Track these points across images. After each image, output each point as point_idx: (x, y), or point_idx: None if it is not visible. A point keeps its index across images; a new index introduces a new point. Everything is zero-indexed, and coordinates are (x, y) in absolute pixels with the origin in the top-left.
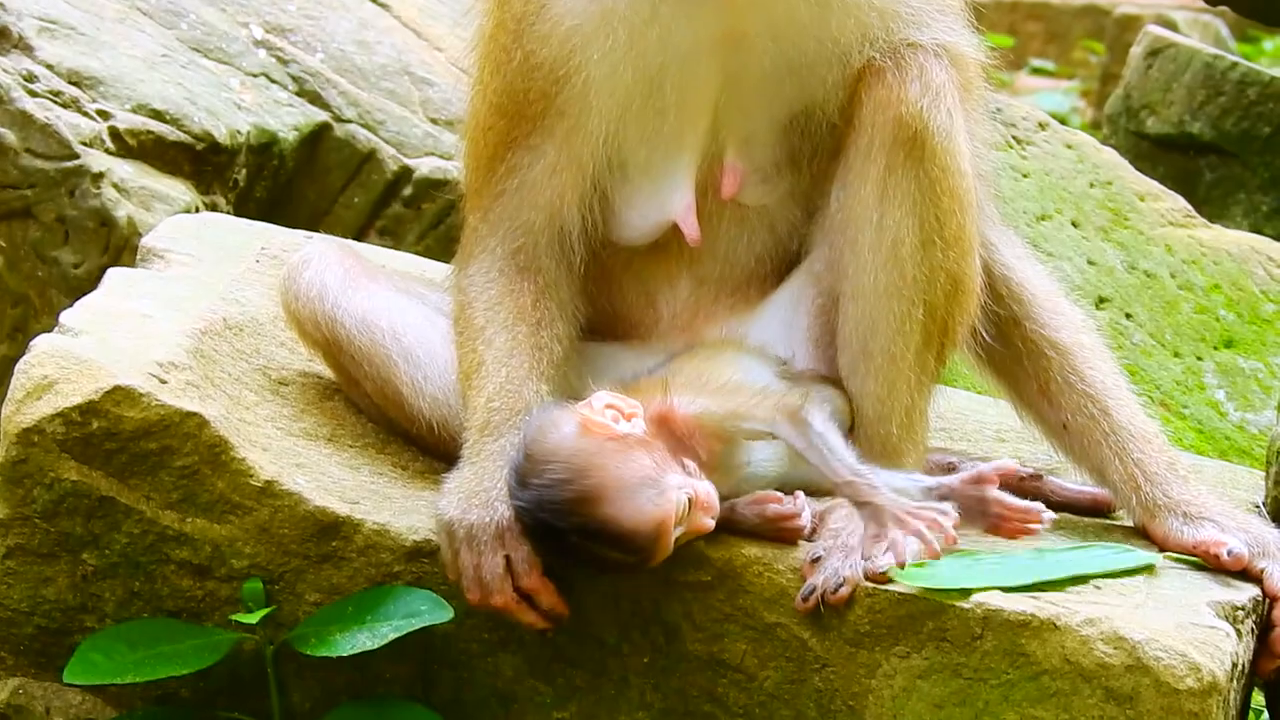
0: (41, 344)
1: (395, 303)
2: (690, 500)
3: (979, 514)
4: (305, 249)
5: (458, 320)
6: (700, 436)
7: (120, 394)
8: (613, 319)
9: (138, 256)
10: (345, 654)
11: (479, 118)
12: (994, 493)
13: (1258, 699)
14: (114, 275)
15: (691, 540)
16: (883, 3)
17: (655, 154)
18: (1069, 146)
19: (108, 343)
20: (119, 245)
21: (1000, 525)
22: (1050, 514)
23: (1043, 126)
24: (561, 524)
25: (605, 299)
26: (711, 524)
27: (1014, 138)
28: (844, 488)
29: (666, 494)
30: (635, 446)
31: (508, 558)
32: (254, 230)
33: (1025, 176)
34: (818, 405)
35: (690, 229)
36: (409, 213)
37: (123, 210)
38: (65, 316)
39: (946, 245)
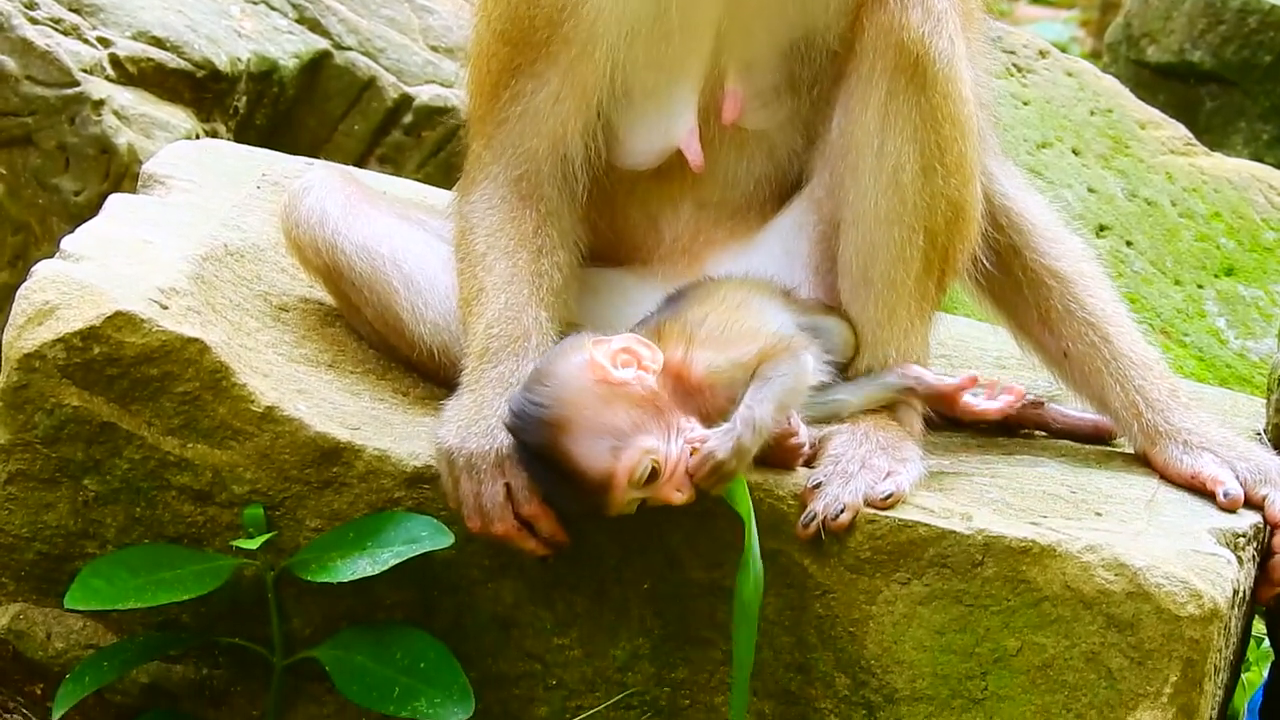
0: (43, 269)
1: (396, 229)
2: (655, 467)
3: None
4: (306, 175)
5: (459, 246)
6: (711, 393)
7: (121, 319)
8: (614, 244)
9: (139, 183)
10: (346, 580)
11: (483, 45)
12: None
13: (1259, 626)
14: (115, 201)
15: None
16: None
17: (660, 79)
18: (1069, 74)
19: (109, 268)
20: (119, 172)
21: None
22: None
23: (1043, 54)
24: (525, 437)
25: (607, 224)
26: (680, 498)
27: (1014, 65)
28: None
29: (626, 451)
30: (623, 398)
31: (508, 485)
32: (255, 157)
33: (1026, 104)
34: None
35: (694, 154)
36: (409, 140)
37: (123, 137)
38: (66, 242)
39: (948, 172)
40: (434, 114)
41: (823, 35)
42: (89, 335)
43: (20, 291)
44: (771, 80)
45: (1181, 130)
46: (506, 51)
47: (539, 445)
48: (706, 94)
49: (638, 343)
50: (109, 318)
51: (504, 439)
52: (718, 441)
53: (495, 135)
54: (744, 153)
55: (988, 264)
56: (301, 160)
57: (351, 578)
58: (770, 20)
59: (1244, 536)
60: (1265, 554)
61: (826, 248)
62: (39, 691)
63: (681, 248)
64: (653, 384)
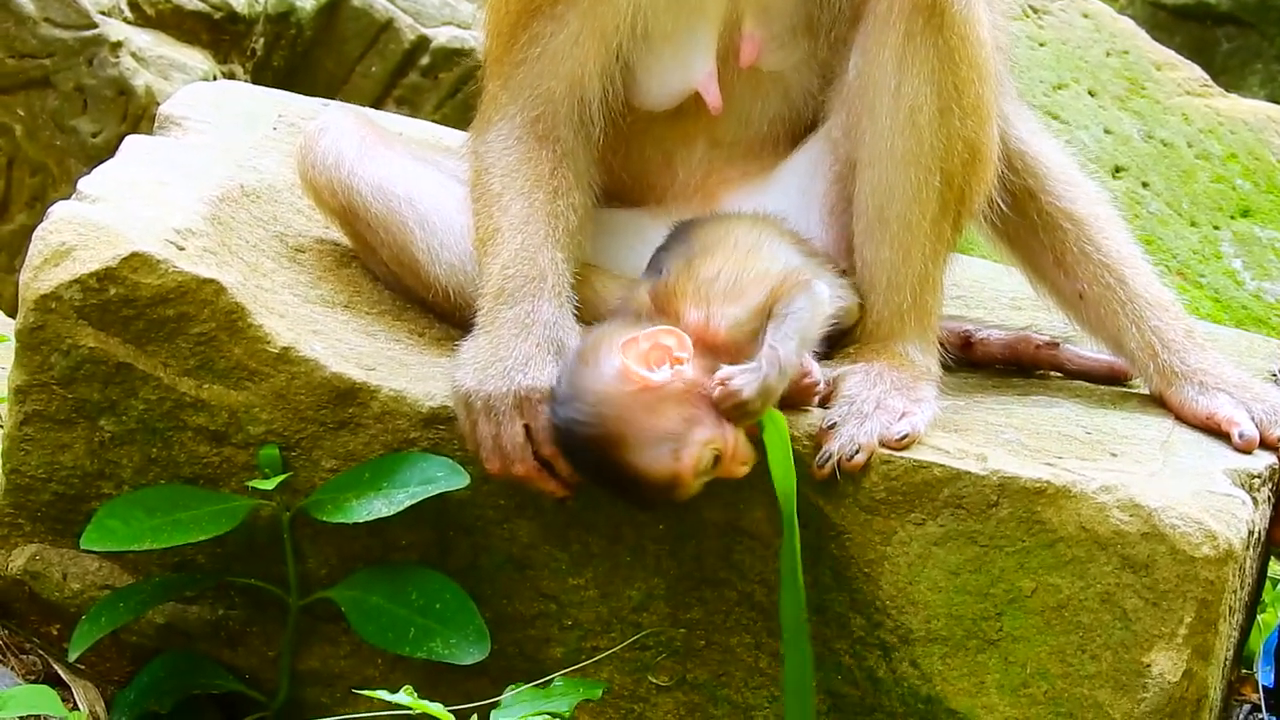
0: (59, 211)
1: (412, 169)
2: (718, 453)
3: None
4: (322, 117)
5: (474, 185)
6: (735, 346)
7: (138, 260)
8: (629, 184)
9: (155, 124)
10: (361, 520)
11: None
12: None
13: (1275, 568)
14: (132, 143)
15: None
16: None
17: (679, 22)
18: (1085, 15)
19: (125, 210)
20: (137, 114)
21: None
22: None
23: None
24: (582, 455)
25: (621, 164)
26: (744, 469)
27: (1030, 7)
28: None
29: (687, 449)
30: (667, 399)
31: (527, 426)
32: (271, 98)
33: (1042, 45)
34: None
35: (712, 97)
36: (426, 82)
37: (141, 79)
38: (83, 184)
39: (964, 113)
40: (451, 55)
41: None
42: (105, 276)
43: (37, 233)
44: (789, 23)
45: (1198, 72)
46: None
47: (596, 463)
48: (724, 37)
49: (664, 335)
50: (125, 258)
51: (521, 380)
52: (743, 379)
53: (513, 76)
54: (759, 94)
55: (1003, 206)
56: (318, 102)
57: (367, 518)
58: None
59: (1259, 477)
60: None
61: (842, 188)
62: (55, 632)
63: (695, 186)
64: (689, 374)
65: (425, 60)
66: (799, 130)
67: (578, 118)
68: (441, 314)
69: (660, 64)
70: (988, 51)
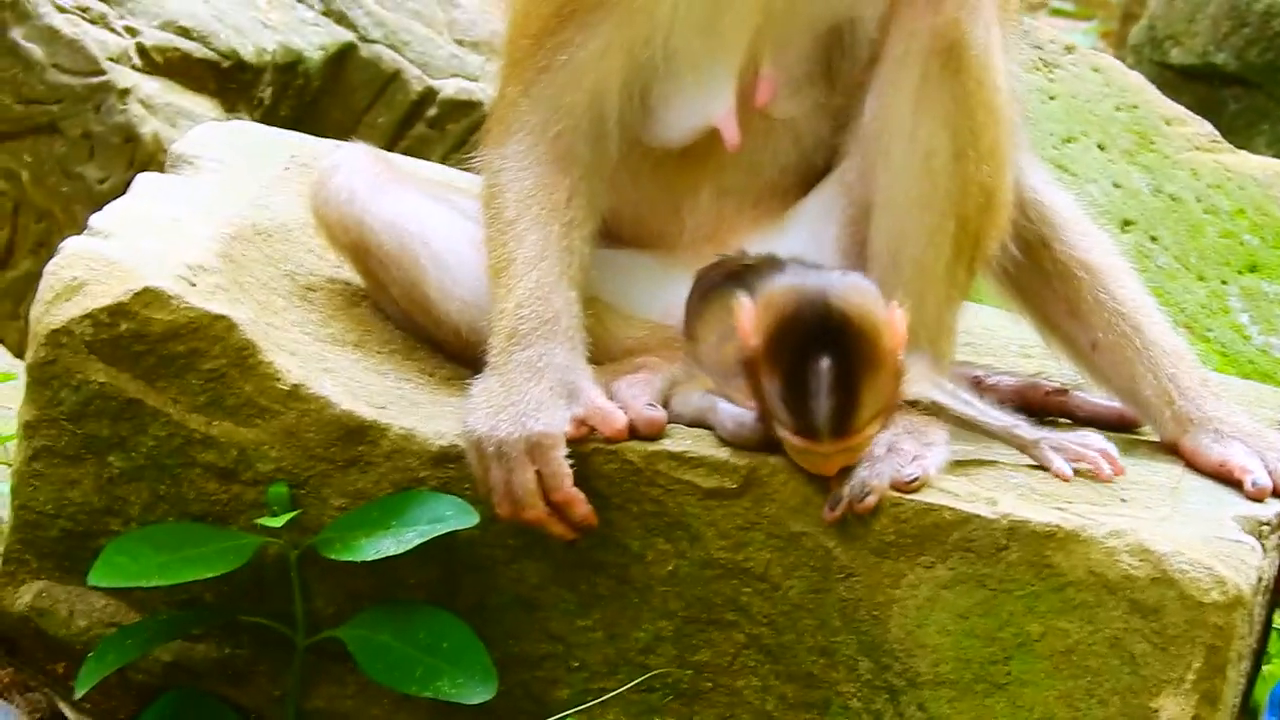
0: (71, 246)
1: (424, 207)
2: None
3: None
4: (335, 154)
5: (488, 204)
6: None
7: (149, 296)
8: (634, 226)
9: (167, 162)
10: (369, 559)
11: None
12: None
13: (1279, 619)
14: (144, 180)
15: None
16: None
17: (706, 49)
18: (1095, 70)
19: (137, 245)
20: (144, 161)
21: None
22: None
23: (1069, 49)
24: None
25: (630, 204)
26: None
27: (1041, 60)
28: None
29: None
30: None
31: (538, 472)
32: (283, 138)
33: (1052, 99)
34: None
35: (731, 134)
36: (433, 133)
37: (148, 126)
38: (95, 219)
39: (980, 158)
40: (458, 107)
41: (862, 22)
42: (116, 311)
43: (48, 268)
44: (805, 66)
45: (1206, 127)
46: None
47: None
48: (742, 76)
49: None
50: (137, 294)
51: (533, 425)
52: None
53: (535, 83)
54: (769, 139)
55: (1016, 254)
56: (331, 142)
57: (375, 557)
58: (810, 7)
59: (1269, 525)
60: None
61: (855, 232)
62: (61, 670)
63: (705, 233)
64: None
65: (433, 111)
66: (809, 178)
67: (597, 138)
68: (452, 353)
69: (681, 95)
70: (1004, 98)
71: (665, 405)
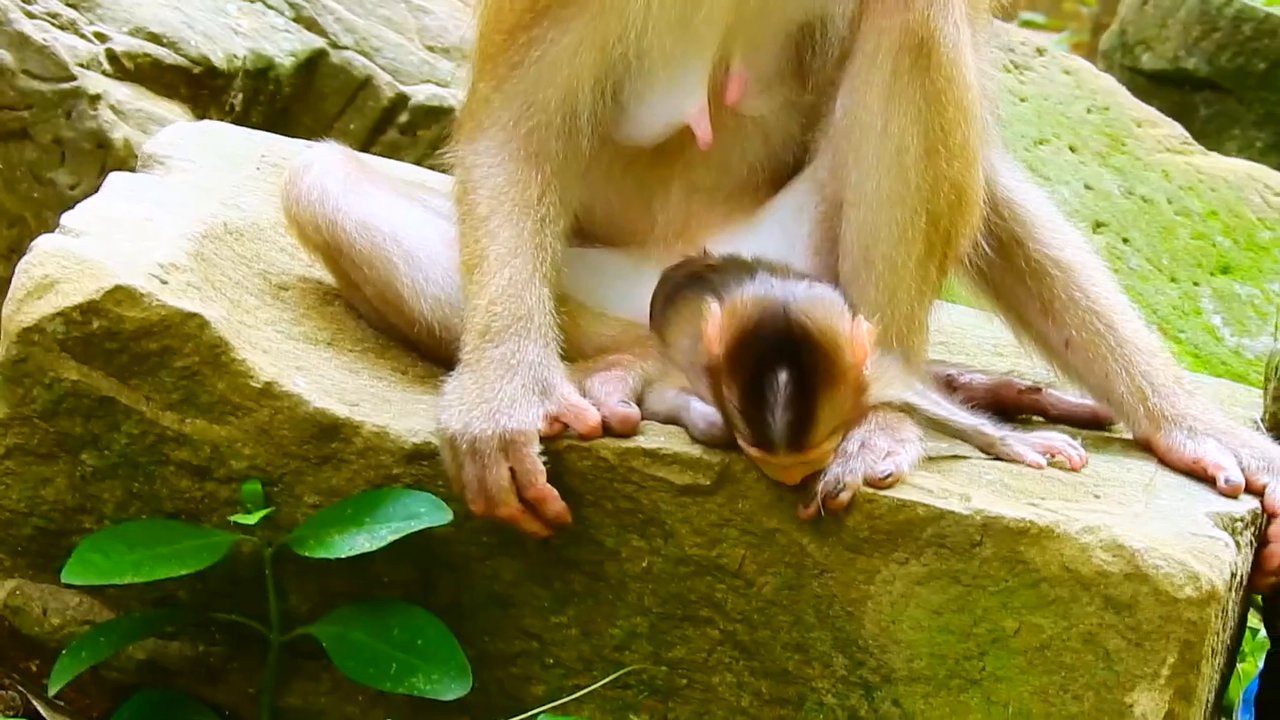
0: (43, 244)
1: (396, 206)
2: None
3: None
4: (307, 154)
5: (460, 200)
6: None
7: (121, 294)
8: (606, 223)
9: (139, 162)
10: (343, 556)
11: None
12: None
13: (1254, 618)
14: (115, 179)
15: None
16: None
17: (678, 45)
18: (1067, 72)
19: (109, 244)
20: (115, 167)
21: None
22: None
23: (1041, 52)
24: None
25: (601, 200)
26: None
27: (1012, 63)
28: None
29: None
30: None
31: (512, 469)
32: (255, 139)
33: (1023, 101)
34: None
35: (703, 132)
36: (405, 139)
37: (119, 132)
38: (66, 218)
39: (951, 155)
40: (430, 113)
41: (833, 19)
42: (88, 309)
43: (20, 266)
44: (776, 64)
45: (1178, 129)
46: None
47: None
48: (714, 74)
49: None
50: (109, 292)
51: (506, 422)
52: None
53: (507, 79)
54: (739, 136)
55: (989, 252)
56: (302, 142)
57: (349, 554)
58: (781, 5)
59: (1242, 521)
60: (1261, 542)
61: (827, 229)
62: (34, 668)
63: (675, 230)
64: None
65: (404, 118)
66: (780, 176)
67: (569, 134)
68: (425, 351)
69: (653, 92)
70: (974, 95)
71: (639, 402)
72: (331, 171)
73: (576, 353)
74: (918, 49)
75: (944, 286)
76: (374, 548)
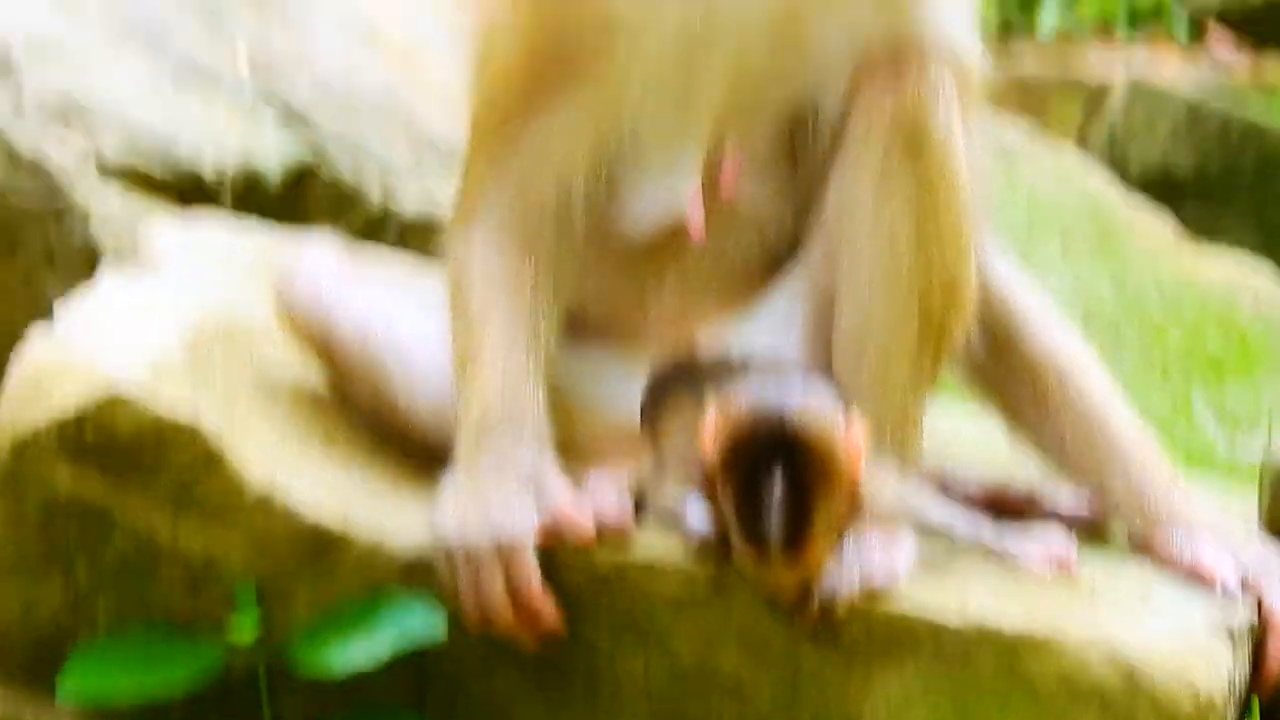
0: (33, 348)
1: (390, 308)
2: None
3: None
4: (299, 252)
5: (453, 290)
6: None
7: (114, 400)
8: (598, 315)
9: (130, 261)
10: (339, 674)
11: (506, 55)
12: None
13: None
14: (107, 279)
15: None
16: None
17: (674, 132)
18: (1057, 166)
19: (100, 347)
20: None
21: None
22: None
23: (1031, 143)
24: None
25: (593, 292)
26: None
27: (1002, 153)
28: None
29: None
30: None
31: (507, 576)
32: (248, 235)
33: (1013, 192)
34: None
35: (696, 225)
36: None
37: (110, 239)
38: (58, 320)
39: (943, 244)
40: (418, 228)
41: (825, 100)
42: (81, 418)
43: (12, 371)
44: (770, 149)
45: (1168, 228)
46: (534, 67)
47: None
48: (708, 160)
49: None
50: (101, 400)
51: (501, 527)
52: None
53: (501, 159)
54: (734, 228)
55: (983, 348)
56: (295, 238)
57: (344, 673)
58: (774, 89)
59: (1240, 626)
60: (1259, 646)
61: (821, 320)
62: None
63: (669, 323)
64: None
65: (392, 231)
66: (773, 264)
67: (562, 221)
68: (421, 450)
69: (647, 178)
70: (966, 182)
71: (635, 500)
72: (325, 272)
73: (570, 452)
74: (910, 134)
75: (938, 380)
76: (370, 666)
